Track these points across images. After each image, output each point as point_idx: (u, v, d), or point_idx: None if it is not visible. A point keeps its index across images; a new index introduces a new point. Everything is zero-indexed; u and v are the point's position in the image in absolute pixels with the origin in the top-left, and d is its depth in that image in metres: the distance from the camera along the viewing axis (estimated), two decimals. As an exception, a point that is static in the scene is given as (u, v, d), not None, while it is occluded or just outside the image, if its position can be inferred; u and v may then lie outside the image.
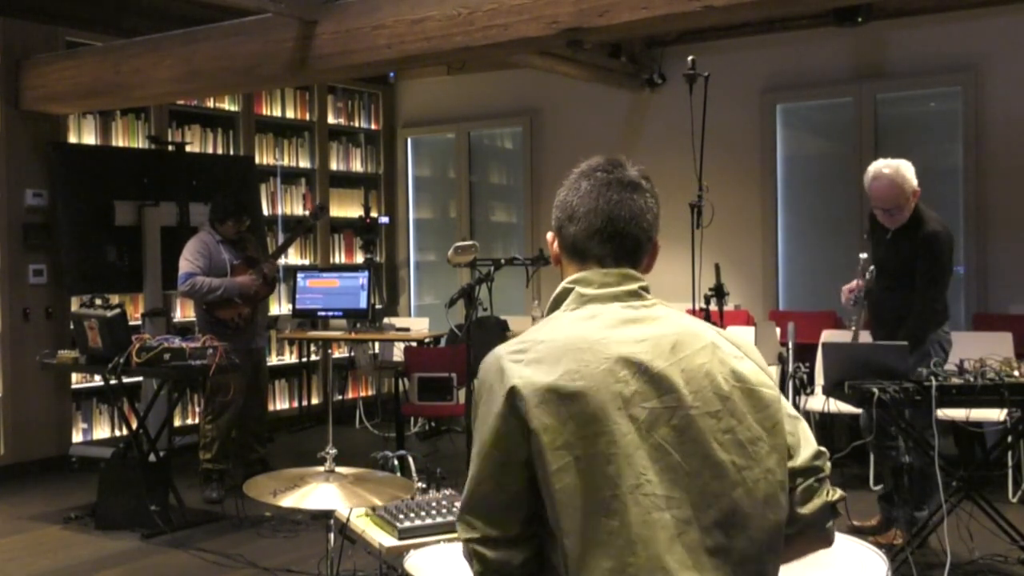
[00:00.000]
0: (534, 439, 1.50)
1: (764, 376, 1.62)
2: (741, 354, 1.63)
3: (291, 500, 2.84)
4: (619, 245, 1.66)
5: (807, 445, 1.64)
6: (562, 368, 1.53)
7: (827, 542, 1.68)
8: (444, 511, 3.00)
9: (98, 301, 5.61)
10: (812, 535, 1.65)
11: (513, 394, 1.52)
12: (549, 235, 1.74)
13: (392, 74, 9.16)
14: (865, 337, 4.83)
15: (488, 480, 1.54)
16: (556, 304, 1.67)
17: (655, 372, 1.54)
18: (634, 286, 1.65)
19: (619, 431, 1.50)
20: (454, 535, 2.85)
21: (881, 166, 4.63)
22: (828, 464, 1.66)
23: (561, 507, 1.49)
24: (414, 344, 7.38)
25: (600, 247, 1.66)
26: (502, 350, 1.59)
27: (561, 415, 1.50)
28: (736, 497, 1.53)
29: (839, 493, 1.67)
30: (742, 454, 1.55)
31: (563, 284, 1.67)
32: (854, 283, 4.83)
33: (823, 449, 1.67)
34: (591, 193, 1.66)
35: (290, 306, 8.01)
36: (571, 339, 1.56)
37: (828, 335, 6.17)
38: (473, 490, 1.56)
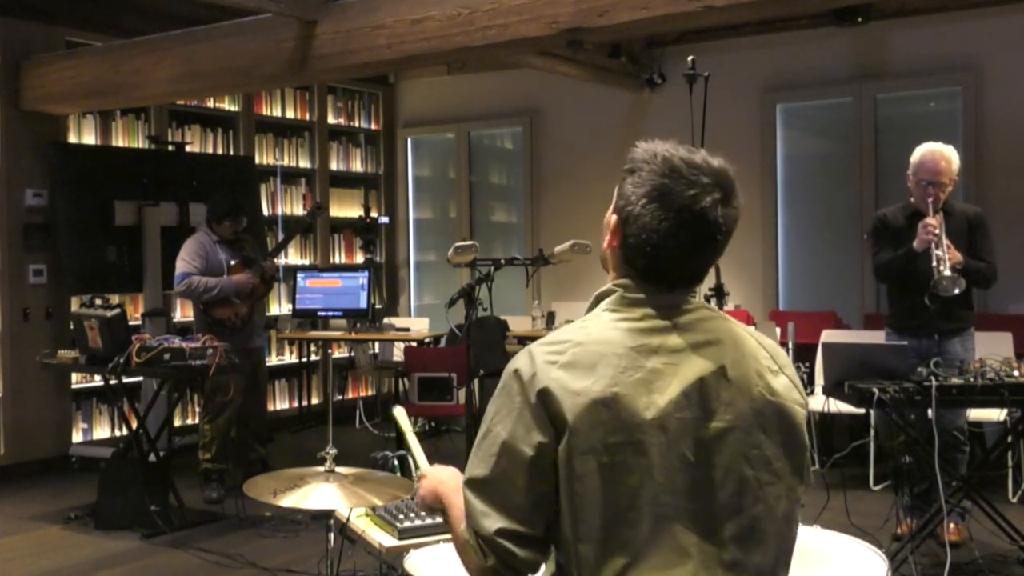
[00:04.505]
0: (563, 443, 1.47)
1: (796, 393, 1.59)
2: (777, 367, 1.60)
3: (291, 500, 2.84)
4: (679, 281, 1.60)
5: (807, 474, 1.64)
6: (596, 374, 1.49)
7: None
8: (444, 511, 2.99)
9: (98, 301, 5.61)
10: None
11: (545, 395, 1.49)
12: (612, 219, 1.61)
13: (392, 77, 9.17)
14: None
15: (493, 467, 1.52)
16: (597, 301, 1.62)
17: (691, 383, 1.51)
18: (681, 291, 1.60)
19: (648, 441, 1.48)
20: (454, 535, 2.86)
21: (933, 144, 4.68)
22: None
23: (580, 512, 1.47)
24: (414, 344, 7.38)
25: (661, 277, 1.58)
26: (537, 348, 1.55)
27: (592, 420, 1.47)
28: (757, 513, 1.52)
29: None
30: (767, 470, 1.53)
31: (609, 284, 1.62)
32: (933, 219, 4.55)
33: (810, 478, 1.67)
34: (666, 234, 1.54)
35: (290, 306, 8.01)
36: (607, 344, 1.52)
37: (828, 335, 6.17)
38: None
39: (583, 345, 1.52)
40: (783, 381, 1.59)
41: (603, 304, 1.60)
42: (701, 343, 1.55)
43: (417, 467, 2.08)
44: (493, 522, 1.50)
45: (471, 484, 1.54)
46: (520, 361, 1.55)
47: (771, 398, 1.55)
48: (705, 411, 1.51)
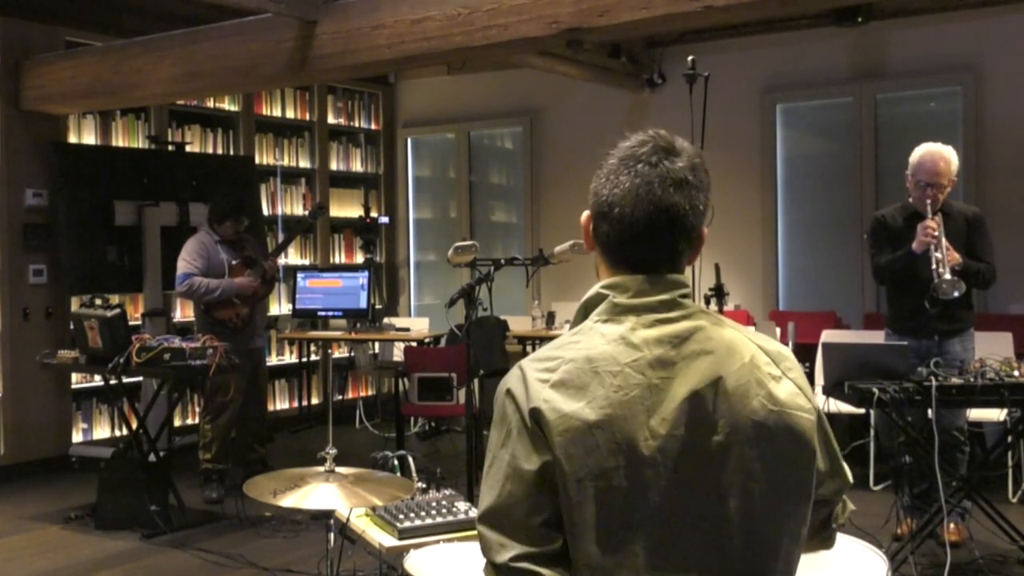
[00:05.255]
0: (557, 468, 1.42)
1: (802, 399, 1.52)
2: (780, 373, 1.52)
3: (291, 500, 2.84)
4: (656, 253, 1.52)
5: (836, 477, 1.60)
6: (589, 395, 1.43)
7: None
8: (444, 511, 3.00)
9: (98, 301, 5.61)
10: (821, 546, 1.66)
11: (536, 416, 1.43)
12: (584, 216, 1.59)
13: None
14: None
15: (500, 492, 1.47)
16: (586, 310, 1.54)
17: (688, 396, 1.45)
18: (674, 294, 1.52)
19: (643, 461, 1.42)
20: (453, 535, 2.86)
21: (932, 145, 4.68)
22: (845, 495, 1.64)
23: (578, 540, 1.42)
24: (414, 344, 7.38)
25: (634, 254, 1.52)
26: (528, 365, 1.49)
27: (587, 445, 1.41)
28: (763, 529, 1.47)
29: (850, 508, 1.66)
30: (772, 484, 1.47)
31: (596, 289, 1.54)
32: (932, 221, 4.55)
33: (849, 481, 1.62)
34: (630, 193, 1.51)
35: (290, 306, 8.01)
36: (600, 360, 1.46)
37: (828, 335, 6.17)
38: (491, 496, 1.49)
39: (575, 362, 1.46)
40: (787, 388, 1.51)
41: (593, 315, 1.53)
42: (697, 354, 1.48)
43: None
44: (508, 551, 1.43)
45: (483, 518, 1.46)
46: (511, 381, 1.49)
47: (773, 408, 1.48)
48: (702, 427, 1.45)
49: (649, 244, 1.52)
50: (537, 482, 1.43)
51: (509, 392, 1.48)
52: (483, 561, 1.49)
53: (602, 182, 1.56)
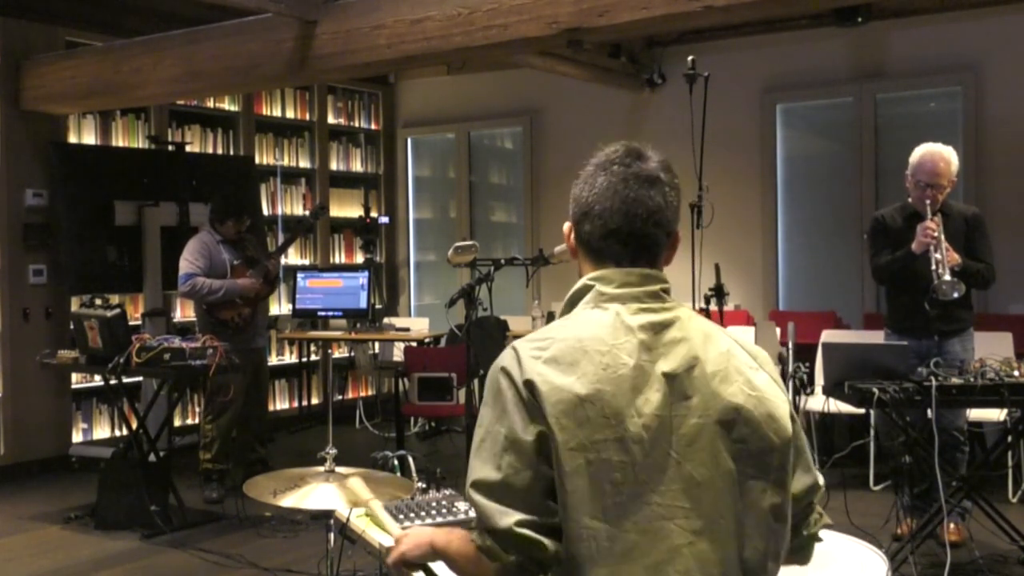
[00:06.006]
0: (551, 439, 1.48)
1: (777, 389, 1.60)
2: (756, 365, 1.61)
3: (291, 500, 2.84)
4: (636, 245, 1.61)
5: (807, 473, 1.64)
6: (580, 370, 1.51)
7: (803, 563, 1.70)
8: (444, 511, 2.99)
9: (98, 301, 5.61)
10: (792, 560, 1.67)
11: (530, 388, 1.50)
12: (566, 226, 1.68)
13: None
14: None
15: (500, 463, 1.51)
16: (573, 301, 1.63)
17: (670, 378, 1.52)
18: (655, 287, 1.61)
19: (630, 438, 1.48)
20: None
21: (932, 145, 4.67)
22: (818, 498, 1.67)
23: (569, 511, 1.47)
24: (414, 344, 7.38)
25: (616, 247, 1.61)
26: (522, 344, 1.57)
27: (577, 417, 1.48)
28: (743, 508, 1.52)
29: (824, 522, 1.69)
30: (753, 465, 1.54)
31: (583, 281, 1.63)
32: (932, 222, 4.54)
33: (820, 483, 1.66)
34: (607, 191, 1.60)
35: (290, 306, 8.01)
36: (589, 340, 1.54)
37: (828, 335, 6.17)
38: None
39: (566, 341, 1.54)
40: (763, 377, 1.60)
41: (581, 304, 1.62)
42: (676, 340, 1.56)
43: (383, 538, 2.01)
44: (510, 516, 1.48)
45: (479, 487, 1.51)
46: (505, 359, 1.56)
47: (752, 393, 1.56)
48: (684, 408, 1.52)
49: (628, 237, 1.61)
50: (535, 451, 1.49)
51: (504, 369, 1.55)
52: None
53: (581, 186, 1.65)
